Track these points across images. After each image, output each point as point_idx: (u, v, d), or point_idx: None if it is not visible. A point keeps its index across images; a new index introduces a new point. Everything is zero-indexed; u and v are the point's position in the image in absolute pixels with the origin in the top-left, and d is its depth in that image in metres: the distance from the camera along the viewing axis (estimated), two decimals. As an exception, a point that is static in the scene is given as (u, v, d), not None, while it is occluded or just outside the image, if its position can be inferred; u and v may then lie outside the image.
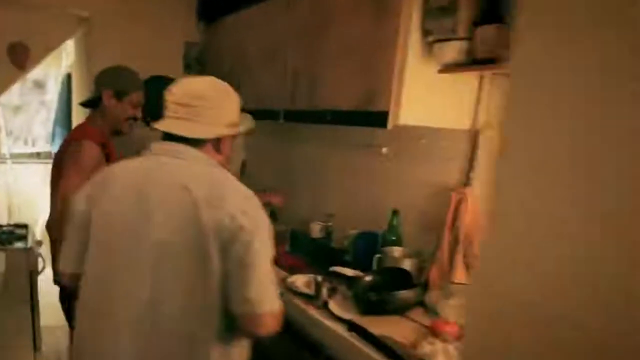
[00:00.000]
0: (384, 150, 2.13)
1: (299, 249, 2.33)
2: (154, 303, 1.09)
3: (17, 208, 4.27)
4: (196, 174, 1.13)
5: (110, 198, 1.16)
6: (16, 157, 4.36)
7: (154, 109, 2.97)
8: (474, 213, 1.69)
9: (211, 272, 1.07)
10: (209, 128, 1.18)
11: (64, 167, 1.76)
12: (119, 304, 1.12)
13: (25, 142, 4.51)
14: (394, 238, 1.97)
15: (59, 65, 4.26)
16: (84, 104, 2.01)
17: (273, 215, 2.62)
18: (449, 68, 1.50)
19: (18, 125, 4.45)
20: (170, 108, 1.18)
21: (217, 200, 1.07)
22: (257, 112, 2.36)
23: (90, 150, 1.76)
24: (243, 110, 2.51)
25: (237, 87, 2.44)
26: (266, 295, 1.09)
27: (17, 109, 4.43)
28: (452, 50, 1.45)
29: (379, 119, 1.59)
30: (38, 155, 4.51)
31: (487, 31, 1.37)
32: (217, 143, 1.22)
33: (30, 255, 2.36)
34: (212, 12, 2.90)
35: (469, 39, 1.42)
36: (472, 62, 1.44)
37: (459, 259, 1.70)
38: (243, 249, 1.06)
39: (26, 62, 2.53)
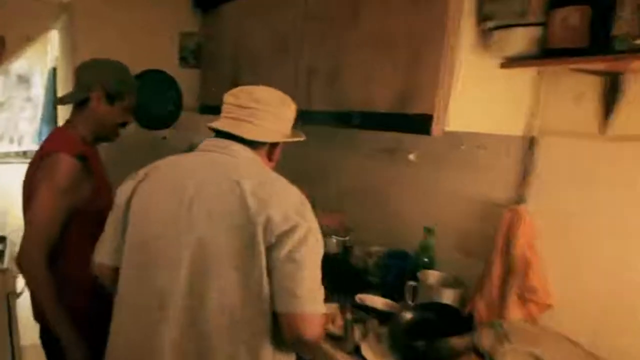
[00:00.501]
0: (411, 156, 1.81)
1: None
2: (193, 299, 1.03)
3: (1, 212, 3.90)
4: (248, 171, 1.07)
5: (151, 192, 1.12)
6: (1, 157, 3.99)
7: (145, 110, 2.66)
8: (531, 236, 1.38)
9: (256, 270, 0.99)
10: (268, 132, 1.14)
11: (35, 188, 1.42)
12: (157, 298, 1.05)
13: (11, 141, 4.14)
14: (426, 260, 1.66)
15: (45, 58, 3.88)
16: (64, 102, 1.66)
17: None
18: (515, 61, 1.18)
19: (2, 123, 4.08)
20: (228, 110, 1.14)
21: (269, 196, 1.01)
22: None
23: (67, 166, 1.41)
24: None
25: (240, 84, 2.12)
26: (316, 294, 1.01)
27: (0, 106, 4.05)
28: (521, 39, 1.12)
29: (420, 124, 1.26)
30: (24, 154, 4.13)
31: (569, 14, 1.05)
32: (271, 149, 1.18)
33: (7, 276, 2.02)
34: (210, -1, 2.55)
35: (542, 24, 1.10)
36: (544, 53, 1.12)
37: (512, 292, 1.39)
38: (295, 245, 0.98)
39: (1, 55, 2.16)
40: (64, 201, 1.40)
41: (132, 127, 2.56)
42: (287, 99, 1.20)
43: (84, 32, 2.38)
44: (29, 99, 4.13)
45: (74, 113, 1.60)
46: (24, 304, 2.04)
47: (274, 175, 1.11)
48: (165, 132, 2.68)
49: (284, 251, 0.97)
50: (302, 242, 0.98)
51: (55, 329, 1.44)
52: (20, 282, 2.05)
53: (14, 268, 2.02)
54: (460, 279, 1.57)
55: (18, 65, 3.97)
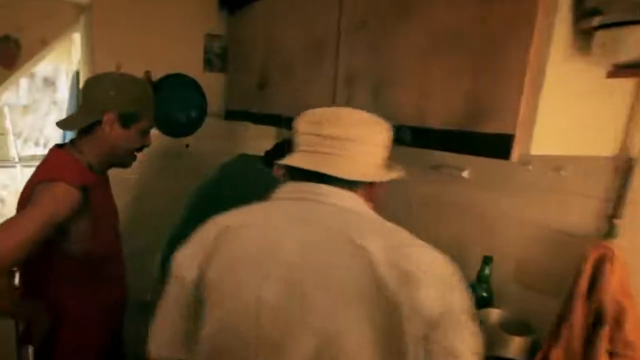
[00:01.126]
0: (465, 174, 1.53)
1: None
2: None
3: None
4: (368, 227, 0.77)
5: (236, 263, 0.81)
6: (27, 160, 3.84)
7: (167, 116, 2.43)
8: (625, 279, 1.10)
9: None
10: (369, 168, 0.86)
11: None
12: None
13: (37, 144, 3.99)
14: (485, 294, 1.40)
15: (70, 60, 3.71)
16: (69, 127, 1.39)
17: None
18: (630, 69, 0.89)
19: (28, 125, 3.93)
20: (308, 141, 0.85)
21: (411, 266, 0.70)
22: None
23: (64, 196, 1.15)
24: (280, 120, 1.96)
25: (270, 91, 1.86)
26: None
27: (26, 109, 3.91)
28: (637, 41, 0.84)
29: (496, 146, 0.99)
30: (51, 157, 3.99)
31: None
32: (370, 188, 0.88)
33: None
34: (237, -2, 2.30)
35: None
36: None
37: (601, 346, 1.11)
38: (455, 334, 0.69)
39: (16, 59, 1.96)
40: (41, 233, 1.11)
41: (153, 134, 2.36)
42: (380, 121, 0.89)
43: (102, 34, 2.16)
44: (54, 102, 3.98)
45: (80, 136, 1.32)
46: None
47: (402, 230, 0.80)
48: (188, 140, 2.45)
49: (440, 345, 0.68)
50: (461, 329, 0.70)
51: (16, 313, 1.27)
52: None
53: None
54: (526, 322, 1.30)
55: (44, 68, 3.82)
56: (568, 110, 0.97)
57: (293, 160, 0.86)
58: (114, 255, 1.45)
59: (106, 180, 1.46)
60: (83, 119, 1.29)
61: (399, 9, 1.25)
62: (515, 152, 0.96)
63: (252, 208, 0.88)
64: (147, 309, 2.17)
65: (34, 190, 1.18)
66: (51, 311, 1.29)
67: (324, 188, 0.82)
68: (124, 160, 1.39)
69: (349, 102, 1.48)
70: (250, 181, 1.74)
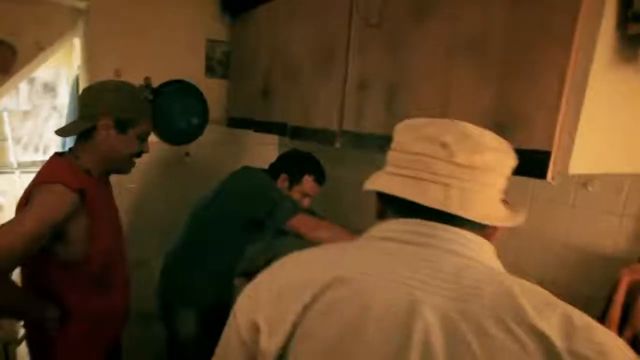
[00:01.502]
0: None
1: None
2: None
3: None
4: (523, 293, 0.54)
5: (335, 333, 0.58)
6: (26, 166, 3.71)
7: (168, 123, 2.31)
8: (665, 307, 0.99)
9: None
10: (498, 207, 0.64)
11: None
12: None
13: (36, 150, 3.86)
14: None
15: (71, 65, 3.60)
16: (65, 134, 1.32)
17: None
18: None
19: (27, 131, 3.81)
20: (422, 163, 0.62)
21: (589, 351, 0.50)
22: (305, 132, 1.66)
23: (61, 197, 1.11)
24: (285, 128, 1.84)
25: (274, 98, 1.74)
26: None
27: (26, 115, 3.78)
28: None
29: (530, 164, 0.87)
30: (50, 163, 3.87)
31: None
32: (491, 231, 0.65)
33: (5, 325, 1.66)
34: (240, 2, 2.18)
35: None
36: None
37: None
38: None
39: (11, 64, 1.84)
40: (41, 235, 1.06)
41: (152, 142, 2.24)
42: (507, 144, 0.67)
43: (100, 40, 2.05)
44: (54, 108, 3.85)
45: (77, 143, 1.27)
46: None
47: (553, 297, 0.58)
48: (189, 148, 2.34)
49: None
50: None
51: (31, 314, 1.20)
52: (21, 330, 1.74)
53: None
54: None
55: (44, 73, 3.71)
56: (611, 124, 0.86)
57: (404, 190, 0.62)
58: (115, 262, 1.37)
59: (106, 186, 1.39)
60: (79, 126, 1.25)
61: (417, 9, 1.14)
62: (551, 171, 0.85)
63: (354, 252, 0.66)
64: (148, 319, 2.06)
65: (30, 194, 1.13)
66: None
67: (454, 232, 0.61)
68: (122, 166, 1.34)
69: (359, 108, 1.37)
70: (255, 196, 1.63)
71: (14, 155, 3.57)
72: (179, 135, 2.27)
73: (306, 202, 1.74)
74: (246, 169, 1.80)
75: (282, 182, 1.72)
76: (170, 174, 2.32)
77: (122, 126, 1.24)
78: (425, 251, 0.60)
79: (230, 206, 1.67)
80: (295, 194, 1.71)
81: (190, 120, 2.28)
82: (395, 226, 0.64)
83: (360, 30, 1.36)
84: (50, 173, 1.19)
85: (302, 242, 1.98)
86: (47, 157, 4.08)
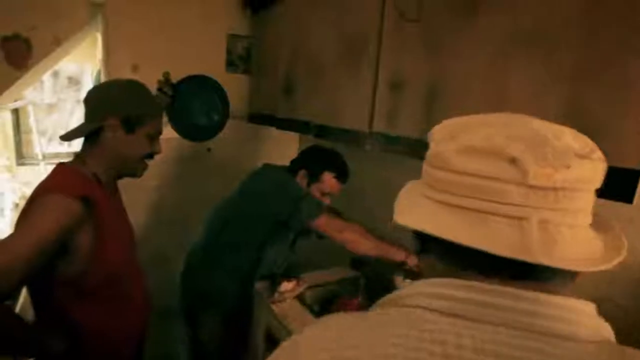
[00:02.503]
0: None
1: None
2: None
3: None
4: None
5: None
6: (51, 158, 3.62)
7: (188, 119, 2.16)
8: None
9: None
10: (591, 242, 0.42)
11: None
12: None
13: (61, 142, 3.77)
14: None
15: (94, 59, 3.47)
16: (71, 137, 1.14)
17: (359, 262, 1.80)
18: None
19: (52, 124, 3.70)
20: (475, 188, 0.41)
21: None
22: (331, 132, 1.50)
23: (63, 208, 0.94)
24: (309, 127, 1.68)
25: (297, 95, 1.58)
26: None
27: (50, 108, 3.67)
28: None
29: (614, 184, 0.70)
30: (75, 154, 3.77)
31: None
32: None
33: None
34: (262, -4, 2.01)
35: None
36: None
37: None
38: None
39: (26, 59, 1.70)
40: (42, 246, 0.90)
41: (174, 138, 2.11)
42: (586, 138, 0.44)
43: (118, 34, 1.90)
44: (79, 101, 3.74)
45: (84, 147, 1.11)
46: None
47: None
48: (210, 143, 2.19)
49: None
50: None
51: (32, 348, 1.00)
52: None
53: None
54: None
55: (68, 66, 3.59)
56: None
57: (460, 231, 0.41)
58: (128, 275, 1.20)
59: (115, 193, 1.23)
60: (84, 128, 1.10)
61: (465, 1, 0.96)
62: None
63: (397, 331, 0.41)
64: (168, 316, 1.95)
65: (31, 204, 0.97)
66: (68, 337, 1.06)
67: (559, 305, 0.39)
68: (133, 168, 1.16)
69: (393, 111, 1.20)
70: (276, 196, 1.48)
71: (40, 147, 3.47)
72: (200, 131, 2.13)
73: (326, 200, 1.57)
74: (266, 167, 1.65)
75: (301, 178, 1.56)
76: (192, 170, 2.18)
77: (129, 126, 1.09)
78: (519, 340, 0.37)
79: (252, 207, 1.53)
80: (315, 191, 1.54)
81: (211, 116, 2.13)
82: (456, 292, 0.41)
83: (394, 25, 1.19)
84: (52, 181, 1.04)
85: (324, 244, 1.83)
86: (71, 149, 3.94)
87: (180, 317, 1.79)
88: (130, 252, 1.24)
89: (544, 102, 0.81)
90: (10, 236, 0.92)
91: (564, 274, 0.40)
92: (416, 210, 0.46)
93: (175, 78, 2.04)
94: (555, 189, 0.39)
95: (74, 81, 3.67)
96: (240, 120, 2.22)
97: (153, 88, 2.03)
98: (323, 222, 1.44)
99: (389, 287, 1.57)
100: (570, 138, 0.41)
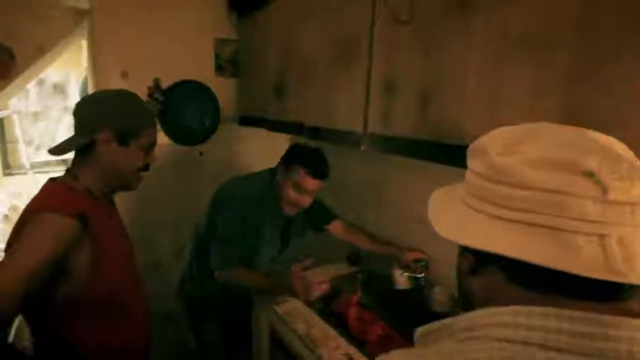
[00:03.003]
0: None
1: (377, 303, 1.51)
2: None
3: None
4: None
5: None
6: (39, 167, 3.52)
7: (180, 124, 2.10)
8: None
9: None
10: None
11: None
12: None
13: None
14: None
15: (80, 67, 3.37)
16: (61, 152, 1.05)
17: (355, 258, 1.80)
18: None
19: (39, 132, 3.59)
20: (548, 204, 0.38)
21: None
22: (325, 133, 1.49)
23: (57, 228, 0.89)
24: (302, 128, 1.66)
25: (288, 97, 1.55)
26: None
27: (36, 116, 3.56)
28: None
29: None
30: (64, 162, 3.67)
31: None
32: None
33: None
34: (248, 0, 1.97)
35: None
36: None
37: None
38: None
39: (9, 68, 1.64)
40: (37, 269, 0.84)
41: (166, 144, 2.07)
42: None
43: (105, 41, 1.85)
44: (65, 109, 3.64)
45: (75, 162, 1.05)
46: None
47: None
48: (201, 147, 2.15)
49: None
50: None
51: None
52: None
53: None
54: None
55: (53, 74, 3.48)
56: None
57: (538, 251, 0.38)
58: (127, 292, 1.14)
59: (111, 206, 1.17)
60: (76, 142, 1.02)
61: (457, 3, 0.95)
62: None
63: None
64: (167, 320, 1.92)
65: (21, 226, 0.90)
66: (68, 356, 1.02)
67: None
68: (128, 181, 1.10)
69: (387, 112, 1.20)
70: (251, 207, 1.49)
71: (26, 156, 3.37)
72: (192, 136, 2.09)
73: (306, 199, 1.47)
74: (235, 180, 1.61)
75: (280, 175, 1.50)
76: (185, 174, 2.15)
77: (123, 138, 1.02)
78: None
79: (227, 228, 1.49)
80: (289, 188, 1.46)
81: (203, 120, 2.10)
82: (540, 321, 0.37)
83: (386, 26, 1.18)
84: (45, 200, 0.96)
85: (319, 241, 1.83)
86: (61, 157, 3.79)
87: (182, 322, 1.77)
88: (129, 266, 1.19)
89: (539, 103, 0.81)
90: (6, 259, 0.86)
91: (637, 290, 0.38)
92: (472, 226, 0.43)
93: (165, 84, 2.00)
94: (631, 203, 0.37)
95: (59, 89, 3.58)
96: (231, 124, 2.19)
97: (143, 94, 1.99)
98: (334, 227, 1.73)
99: (388, 282, 1.58)
100: (625, 149, 0.41)
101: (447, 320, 0.44)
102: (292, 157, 1.48)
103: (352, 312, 1.40)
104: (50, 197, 0.98)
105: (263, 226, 1.55)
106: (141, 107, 1.09)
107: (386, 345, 1.28)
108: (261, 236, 1.57)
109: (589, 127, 0.70)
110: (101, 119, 1.00)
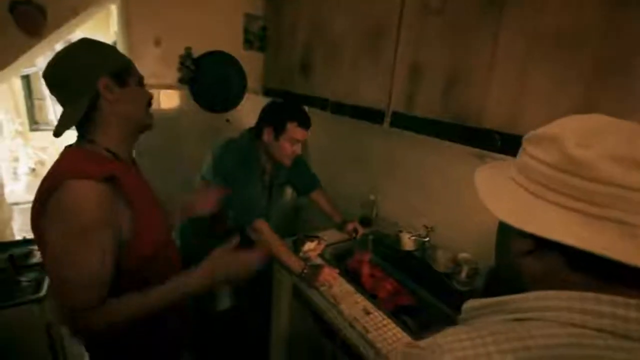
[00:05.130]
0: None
1: (386, 262, 1.64)
2: None
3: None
4: None
5: None
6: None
7: (210, 93, 2.13)
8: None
9: None
10: None
11: (49, 239, 0.80)
12: None
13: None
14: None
15: (108, 31, 3.32)
16: (65, 127, 0.87)
17: (367, 221, 1.90)
18: None
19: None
20: (625, 201, 0.38)
21: None
22: (349, 109, 1.55)
23: (88, 195, 0.78)
24: (327, 103, 1.70)
25: (314, 73, 1.52)
26: None
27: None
28: None
29: None
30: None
31: None
32: None
33: (46, 306, 1.39)
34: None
35: None
36: None
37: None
38: None
39: (40, 27, 1.62)
40: (99, 244, 0.80)
41: (195, 111, 2.11)
42: None
43: (141, 7, 1.87)
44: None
45: (83, 127, 0.90)
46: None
47: None
48: (228, 115, 2.21)
49: None
50: None
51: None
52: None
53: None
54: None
55: (81, 36, 3.42)
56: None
57: (612, 245, 0.38)
58: (164, 255, 1.02)
59: (136, 167, 1.05)
60: (77, 107, 0.86)
61: (488, 1, 1.01)
62: None
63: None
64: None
65: (49, 196, 0.79)
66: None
67: None
68: (144, 122, 0.96)
69: (410, 94, 1.27)
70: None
71: (54, 113, 3.38)
72: (221, 104, 2.14)
73: (297, 148, 1.52)
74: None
75: (268, 135, 1.53)
76: (211, 139, 2.20)
77: (120, 79, 0.89)
78: None
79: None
80: (284, 143, 1.49)
81: (231, 90, 2.15)
82: (609, 308, 0.37)
83: (415, 13, 1.23)
84: (69, 167, 0.82)
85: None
86: None
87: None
88: (164, 228, 1.06)
89: (561, 97, 0.88)
90: (63, 249, 0.78)
91: None
92: (538, 214, 0.42)
93: (196, 53, 2.03)
94: None
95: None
96: (256, 95, 2.24)
97: (175, 61, 2.02)
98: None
99: (397, 244, 1.69)
100: None
101: (501, 298, 0.44)
102: (281, 115, 1.51)
103: (365, 269, 1.51)
104: (74, 164, 0.84)
105: (255, 181, 1.60)
106: (109, 47, 0.93)
107: (395, 299, 1.39)
108: (256, 189, 1.61)
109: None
110: (89, 71, 0.86)
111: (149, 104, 0.97)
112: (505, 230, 0.49)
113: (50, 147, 3.46)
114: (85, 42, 0.89)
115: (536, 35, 0.92)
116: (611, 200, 0.38)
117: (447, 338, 0.42)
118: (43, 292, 1.42)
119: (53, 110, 3.41)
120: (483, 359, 0.38)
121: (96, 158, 0.87)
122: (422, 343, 0.44)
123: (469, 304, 0.48)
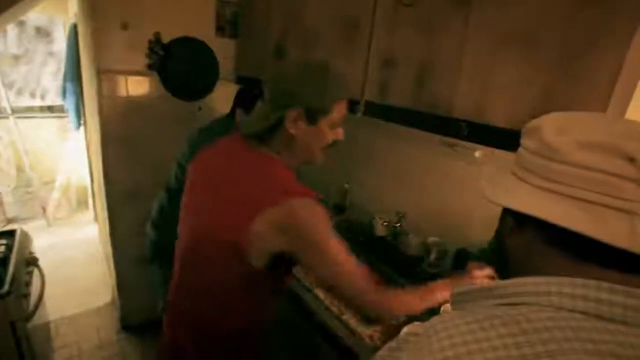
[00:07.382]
0: (477, 154, 1.40)
1: (358, 247, 1.67)
2: None
3: (28, 167, 3.29)
4: None
5: None
6: (22, 112, 3.29)
7: (181, 80, 2.07)
8: None
9: None
10: None
11: (314, 247, 0.87)
12: None
13: (32, 95, 3.41)
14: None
15: (65, 11, 3.11)
16: (253, 129, 0.95)
17: (341, 208, 1.91)
18: None
19: (21, 76, 3.32)
20: (591, 182, 0.41)
21: None
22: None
23: (323, 213, 0.88)
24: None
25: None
26: None
27: (17, 59, 3.27)
28: None
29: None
30: (49, 109, 3.45)
31: None
32: None
33: (10, 302, 1.31)
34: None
35: None
36: None
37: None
38: None
39: None
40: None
41: (165, 98, 2.03)
42: None
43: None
44: (51, 53, 3.36)
45: (266, 136, 0.94)
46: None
47: None
48: (200, 103, 2.14)
49: None
50: None
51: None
52: (32, 302, 1.47)
53: (20, 286, 1.42)
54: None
55: (35, 17, 3.18)
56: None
57: (577, 220, 0.40)
58: None
59: None
60: (268, 121, 0.92)
61: (458, -3, 1.03)
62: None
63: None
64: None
65: (284, 203, 0.84)
66: None
67: None
68: (315, 159, 0.98)
69: (385, 86, 1.28)
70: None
71: (7, 100, 3.13)
72: (193, 91, 2.07)
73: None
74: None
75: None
76: (183, 127, 2.14)
77: (311, 117, 0.90)
78: None
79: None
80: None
81: (204, 78, 2.08)
82: (595, 293, 0.39)
83: (388, 7, 1.23)
84: (290, 182, 0.90)
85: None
86: (46, 103, 3.53)
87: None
88: None
89: (528, 91, 0.91)
90: (336, 263, 0.88)
91: None
92: (519, 194, 0.45)
93: (166, 38, 1.94)
94: None
95: (43, 32, 3.28)
96: (227, 81, 2.18)
97: (143, 46, 1.92)
98: None
99: (369, 229, 1.72)
100: None
101: (490, 284, 0.45)
102: (252, 95, 1.55)
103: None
104: (291, 179, 0.92)
105: None
106: (333, 82, 0.92)
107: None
108: None
109: (559, 111, 0.82)
110: (291, 99, 0.88)
111: (331, 145, 0.97)
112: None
113: (5, 137, 3.22)
114: (307, 67, 0.91)
115: (502, 30, 0.94)
116: (576, 180, 0.41)
117: (445, 323, 0.42)
118: (5, 288, 1.33)
119: (6, 97, 3.16)
120: (483, 344, 0.38)
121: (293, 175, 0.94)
122: (419, 328, 0.44)
123: (457, 290, 0.49)
